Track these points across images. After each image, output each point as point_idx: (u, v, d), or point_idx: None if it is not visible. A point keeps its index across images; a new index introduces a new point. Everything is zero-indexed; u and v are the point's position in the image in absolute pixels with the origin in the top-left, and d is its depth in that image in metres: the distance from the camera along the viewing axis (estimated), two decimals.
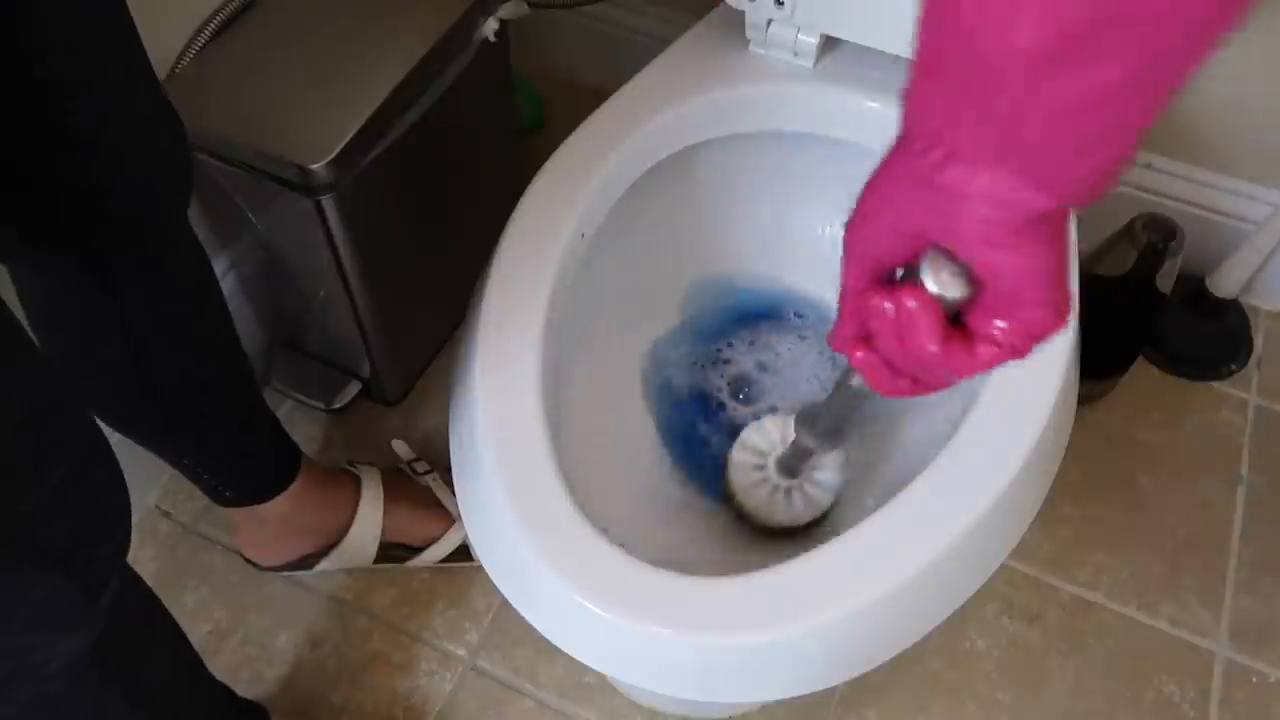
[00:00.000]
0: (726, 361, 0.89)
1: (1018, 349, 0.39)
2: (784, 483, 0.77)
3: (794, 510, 0.77)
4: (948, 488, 0.61)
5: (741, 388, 0.87)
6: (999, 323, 0.39)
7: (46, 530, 0.49)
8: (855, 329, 0.45)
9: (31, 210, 0.61)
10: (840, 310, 0.45)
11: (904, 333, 0.41)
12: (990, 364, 0.40)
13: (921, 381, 0.45)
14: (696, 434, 0.85)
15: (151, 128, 0.64)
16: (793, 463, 0.75)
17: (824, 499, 0.78)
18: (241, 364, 0.82)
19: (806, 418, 0.67)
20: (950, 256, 0.39)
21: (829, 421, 0.65)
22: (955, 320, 0.40)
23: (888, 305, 0.41)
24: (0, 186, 0.58)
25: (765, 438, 0.78)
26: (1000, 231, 0.36)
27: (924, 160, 0.36)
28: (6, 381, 0.47)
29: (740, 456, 0.78)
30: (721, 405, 0.86)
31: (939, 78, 0.35)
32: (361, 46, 0.90)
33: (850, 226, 0.42)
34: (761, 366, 0.89)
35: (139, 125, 0.62)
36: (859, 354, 0.45)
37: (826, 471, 0.78)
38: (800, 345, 0.89)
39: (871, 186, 0.41)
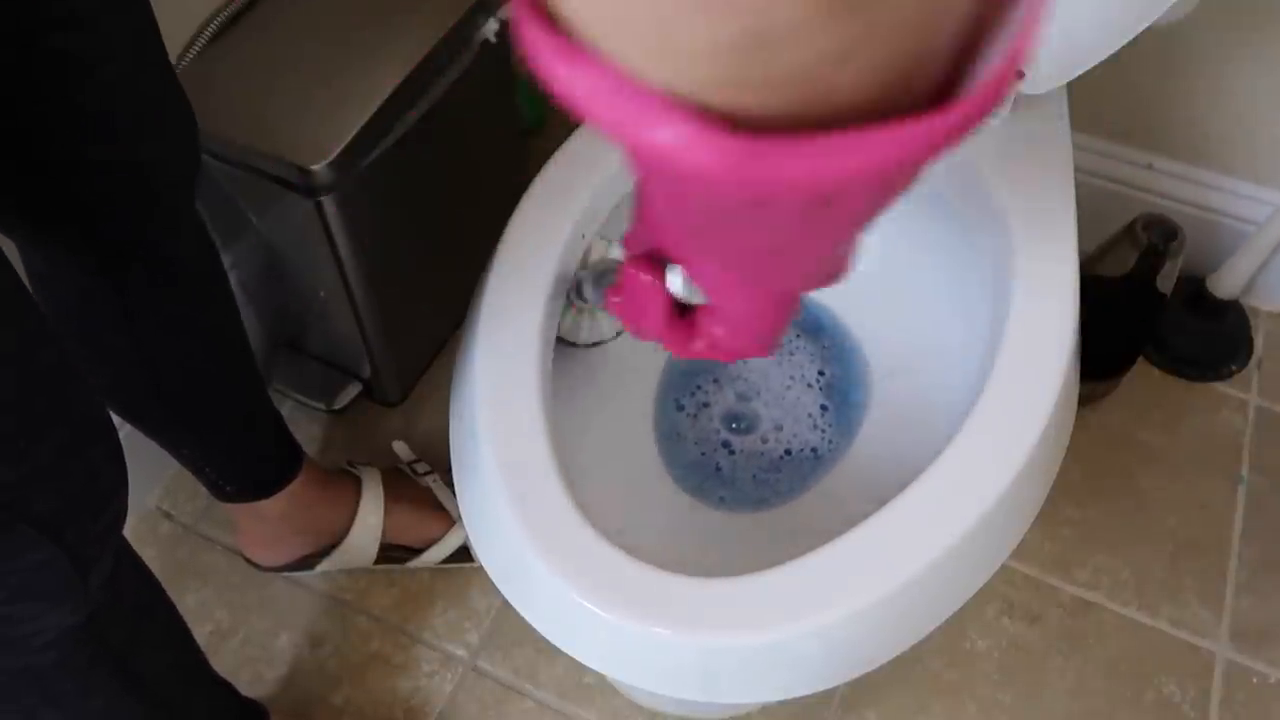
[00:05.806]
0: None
1: (724, 357, 0.46)
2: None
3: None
4: (948, 488, 0.61)
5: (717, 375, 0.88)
6: (718, 329, 0.45)
7: (37, 500, 0.49)
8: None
9: (35, 185, 0.61)
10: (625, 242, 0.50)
11: (637, 301, 0.48)
12: (700, 355, 0.47)
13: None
14: (686, 435, 0.85)
15: (160, 110, 0.63)
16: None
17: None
18: (247, 359, 0.82)
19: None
20: None
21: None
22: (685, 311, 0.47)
23: (630, 273, 0.47)
24: (2, 157, 0.58)
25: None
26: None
27: None
28: (2, 351, 0.47)
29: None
30: (699, 387, 0.87)
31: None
32: (362, 47, 0.90)
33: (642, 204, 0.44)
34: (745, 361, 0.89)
35: (147, 107, 0.62)
36: (615, 299, 0.51)
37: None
38: (789, 344, 0.90)
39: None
